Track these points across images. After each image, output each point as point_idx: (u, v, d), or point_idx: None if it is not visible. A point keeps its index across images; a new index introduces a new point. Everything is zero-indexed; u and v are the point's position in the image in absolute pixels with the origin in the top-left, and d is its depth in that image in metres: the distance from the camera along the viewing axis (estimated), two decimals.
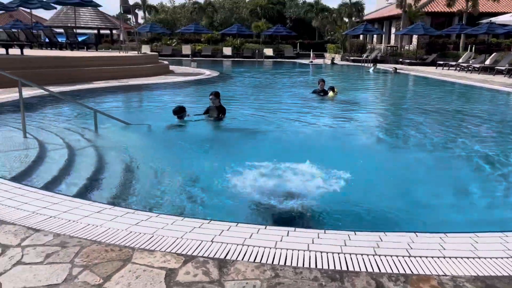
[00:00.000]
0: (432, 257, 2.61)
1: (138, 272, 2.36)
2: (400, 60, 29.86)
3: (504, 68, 19.84)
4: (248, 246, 2.71)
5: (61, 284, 2.24)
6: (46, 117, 8.15)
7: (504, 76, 19.15)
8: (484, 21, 23.85)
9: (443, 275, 2.40)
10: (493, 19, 22.47)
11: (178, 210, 3.95)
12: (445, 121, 9.51)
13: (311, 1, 50.78)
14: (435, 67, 25.59)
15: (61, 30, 29.96)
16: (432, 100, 13.04)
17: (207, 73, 20.31)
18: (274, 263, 2.49)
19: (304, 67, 30.14)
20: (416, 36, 32.06)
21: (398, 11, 32.82)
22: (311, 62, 33.66)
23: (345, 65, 31.16)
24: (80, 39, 28.34)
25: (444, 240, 2.88)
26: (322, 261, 2.52)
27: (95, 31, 37.50)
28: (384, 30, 39.46)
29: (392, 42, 37.39)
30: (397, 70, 23.59)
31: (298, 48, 42.01)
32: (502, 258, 2.64)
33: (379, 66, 26.79)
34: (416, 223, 3.85)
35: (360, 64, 31.11)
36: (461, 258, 2.61)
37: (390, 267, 2.48)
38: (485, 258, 2.63)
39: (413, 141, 7.46)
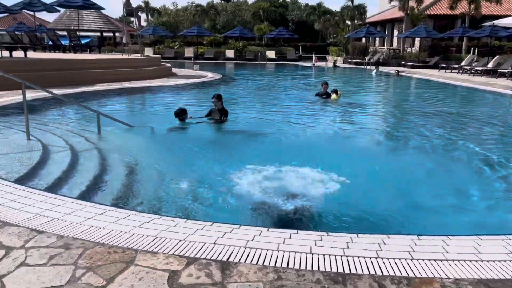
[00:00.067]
0: (435, 260, 2.60)
1: (141, 274, 2.37)
2: (403, 62, 29.83)
3: (506, 70, 19.79)
4: (251, 248, 2.71)
5: (65, 286, 2.25)
6: (49, 119, 8.19)
7: (507, 79, 19.11)
8: (487, 23, 23.80)
9: (446, 278, 2.40)
10: (496, 21, 22.42)
11: (181, 212, 3.96)
12: (447, 123, 9.49)
13: (314, 4, 51.03)
14: (437, 70, 25.55)
15: (65, 33, 30.03)
16: (434, 103, 13.03)
17: (209, 75, 20.34)
18: (276, 265, 2.49)
19: (306, 69, 30.14)
20: (419, 38, 32.10)
21: (401, 13, 32.81)
22: (314, 64, 33.71)
23: (348, 68, 31.17)
24: (83, 41, 28.42)
25: (447, 243, 2.88)
26: (324, 264, 2.52)
27: (98, 34, 37.66)
28: (386, 32, 39.46)
29: (395, 44, 37.39)
30: (400, 73, 23.58)
31: (300, 50, 42.12)
32: (505, 261, 2.63)
33: (382, 68, 26.79)
34: (418, 225, 3.83)
35: (362, 66, 31.16)
36: (464, 261, 2.61)
37: (393, 270, 2.47)
38: (488, 261, 2.62)
39: (415, 144, 7.45)
